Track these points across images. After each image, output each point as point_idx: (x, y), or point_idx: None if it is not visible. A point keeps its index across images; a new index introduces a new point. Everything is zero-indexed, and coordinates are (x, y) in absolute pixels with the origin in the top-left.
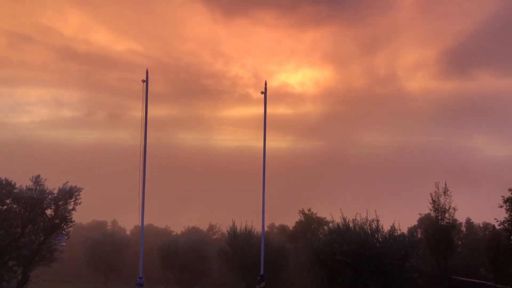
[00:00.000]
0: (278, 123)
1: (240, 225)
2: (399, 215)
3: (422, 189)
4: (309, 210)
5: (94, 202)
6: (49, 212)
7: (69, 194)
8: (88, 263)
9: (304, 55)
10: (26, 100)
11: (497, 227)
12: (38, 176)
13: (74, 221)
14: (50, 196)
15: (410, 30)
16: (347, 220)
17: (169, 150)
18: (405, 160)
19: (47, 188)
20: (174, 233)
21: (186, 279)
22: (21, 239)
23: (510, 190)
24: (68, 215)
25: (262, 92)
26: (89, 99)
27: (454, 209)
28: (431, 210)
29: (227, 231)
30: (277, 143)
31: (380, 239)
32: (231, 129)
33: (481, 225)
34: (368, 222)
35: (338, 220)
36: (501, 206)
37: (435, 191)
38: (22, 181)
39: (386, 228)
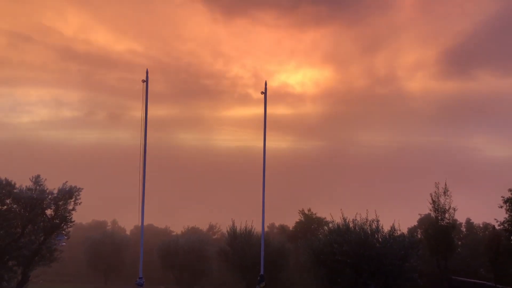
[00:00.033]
0: (278, 123)
1: (240, 225)
2: (399, 215)
3: (422, 189)
4: (309, 210)
5: (94, 202)
6: (49, 212)
7: (69, 194)
8: (88, 263)
9: (304, 55)
10: (26, 100)
11: (497, 227)
12: (38, 176)
13: (74, 221)
14: (50, 196)
15: (410, 30)
16: (347, 220)
17: (169, 150)
18: (405, 160)
19: (47, 188)
20: (174, 233)
21: (186, 279)
22: (21, 239)
23: (510, 191)
24: (68, 215)
25: (262, 92)
26: (89, 99)
27: (454, 209)
28: (431, 210)
29: (227, 231)
30: (277, 143)
31: (380, 239)
32: (231, 129)
33: (481, 225)
34: (368, 222)
35: (338, 220)
36: (501, 207)
37: (435, 191)
38: (22, 181)
39: (386, 228)
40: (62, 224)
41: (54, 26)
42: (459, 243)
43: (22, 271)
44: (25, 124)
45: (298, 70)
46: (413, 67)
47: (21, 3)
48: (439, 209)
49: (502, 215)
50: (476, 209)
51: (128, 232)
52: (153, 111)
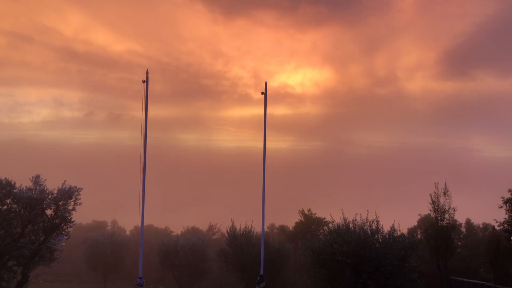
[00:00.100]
0: (278, 124)
1: (240, 226)
2: (399, 216)
3: (422, 190)
4: (309, 210)
5: (94, 202)
6: (49, 212)
7: (68, 194)
8: (88, 263)
9: (304, 55)
10: (26, 100)
11: (496, 227)
12: (38, 176)
13: (74, 221)
14: (50, 196)
15: (410, 31)
16: (347, 221)
17: (169, 150)
18: (405, 160)
19: (47, 188)
20: (174, 234)
21: (185, 279)
22: (21, 239)
23: (510, 191)
24: (68, 215)
25: (262, 93)
26: (89, 99)
27: (454, 210)
28: (431, 210)
29: (227, 231)
30: (277, 143)
31: (380, 240)
32: (231, 130)
33: (480, 225)
34: (368, 222)
35: (338, 220)
36: (501, 207)
37: (435, 192)
38: (22, 181)
39: (386, 228)
40: (62, 224)
41: (54, 26)
42: (459, 243)
43: (22, 271)
44: (25, 124)
45: (298, 70)
46: (413, 67)
47: (21, 3)
48: (439, 209)
49: (502, 215)
50: (476, 210)
51: (128, 232)
52: (153, 112)
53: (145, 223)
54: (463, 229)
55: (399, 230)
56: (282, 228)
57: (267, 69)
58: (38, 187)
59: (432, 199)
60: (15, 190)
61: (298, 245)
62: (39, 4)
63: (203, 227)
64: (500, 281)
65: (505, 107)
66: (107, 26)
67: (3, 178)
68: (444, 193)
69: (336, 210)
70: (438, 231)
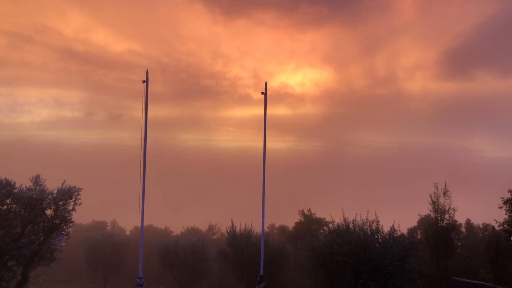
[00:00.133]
0: (278, 124)
1: (239, 226)
2: (399, 216)
3: (422, 190)
4: (309, 210)
5: (94, 202)
6: (49, 212)
7: (68, 194)
8: (88, 264)
9: (304, 55)
10: (26, 100)
11: (496, 228)
12: (38, 176)
13: (74, 221)
14: (50, 196)
15: (410, 31)
16: (347, 221)
17: (169, 150)
18: (405, 160)
19: (47, 188)
20: (173, 234)
21: (185, 279)
22: (21, 239)
23: (510, 191)
24: (68, 215)
25: (262, 93)
26: (89, 99)
27: (454, 210)
28: (430, 211)
29: (227, 231)
30: (277, 143)
31: (380, 240)
32: (231, 130)
33: (480, 226)
34: (368, 223)
35: (338, 220)
36: (501, 207)
37: (435, 192)
38: (22, 181)
39: (386, 229)
40: (62, 224)
41: (54, 26)
42: (459, 243)
43: (22, 271)
44: (25, 124)
45: (298, 70)
46: (413, 68)
47: (21, 3)
48: (439, 209)
49: (502, 216)
50: (476, 210)
51: (128, 233)
52: (153, 112)
53: (145, 223)
54: (463, 230)
55: (399, 231)
56: (282, 228)
57: (267, 69)
58: (38, 187)
59: (432, 199)
60: (15, 190)
61: (298, 245)
62: (39, 4)
63: (203, 227)
64: (500, 282)
65: (505, 107)
66: (107, 26)
67: (3, 178)
68: (444, 193)
69: (336, 210)
70: (438, 231)
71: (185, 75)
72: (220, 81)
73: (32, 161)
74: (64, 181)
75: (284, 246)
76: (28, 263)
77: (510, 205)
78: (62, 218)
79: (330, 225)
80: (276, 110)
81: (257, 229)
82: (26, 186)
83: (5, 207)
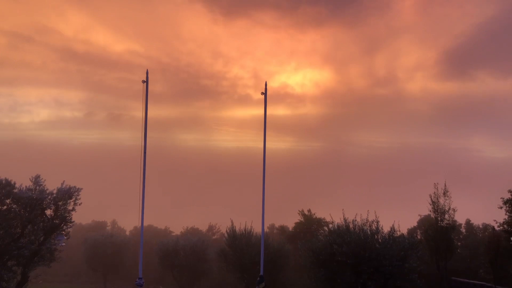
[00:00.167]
0: (278, 124)
1: (239, 226)
2: (399, 216)
3: (422, 190)
4: (309, 211)
5: (94, 202)
6: (48, 212)
7: (68, 194)
8: (88, 264)
9: (304, 56)
10: (26, 100)
11: (496, 228)
12: (38, 176)
13: (73, 221)
14: (50, 197)
15: (410, 31)
16: (347, 221)
17: (169, 150)
18: (405, 161)
19: (47, 188)
20: (173, 234)
21: (185, 279)
22: (21, 239)
23: (510, 192)
24: (67, 215)
25: (262, 93)
26: (89, 99)
27: (454, 210)
28: (430, 211)
29: (226, 231)
30: (277, 144)
31: (380, 240)
32: (231, 130)
33: (480, 226)
34: (368, 223)
35: (338, 221)
36: (501, 207)
37: (434, 192)
38: (22, 181)
39: (385, 229)
40: (62, 225)
41: (54, 26)
42: (459, 244)
43: (22, 271)
44: (25, 124)
45: (298, 71)
46: (413, 68)
47: (21, 3)
48: (438, 210)
49: (502, 216)
50: (475, 210)
51: (127, 233)
52: (153, 112)
53: (145, 223)
54: (463, 230)
55: (399, 231)
56: (282, 229)
57: (267, 69)
58: (38, 187)
59: (432, 200)
60: (15, 190)
61: (298, 245)
62: (39, 4)
63: (203, 227)
64: (500, 282)
65: (505, 107)
66: (107, 26)
67: (3, 178)
68: (444, 193)
69: (336, 211)
70: (438, 231)
71: (185, 75)
72: (220, 81)
73: (32, 161)
74: (64, 181)
75: (284, 246)
76: (28, 263)
77: (510, 206)
78: (62, 218)
79: (330, 225)
80: (276, 110)
81: (257, 229)
82: (26, 186)
83: (5, 207)
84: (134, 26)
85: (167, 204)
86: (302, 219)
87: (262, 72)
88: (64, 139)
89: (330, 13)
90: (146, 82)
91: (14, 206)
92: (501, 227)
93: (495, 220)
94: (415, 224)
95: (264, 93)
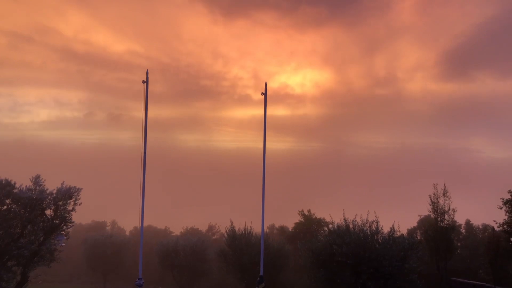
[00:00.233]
0: (278, 125)
1: (239, 226)
2: (399, 216)
3: (422, 191)
4: (309, 211)
5: (94, 202)
6: (48, 212)
7: (68, 194)
8: (88, 264)
9: (304, 56)
10: (26, 100)
11: (496, 228)
12: (38, 176)
13: (73, 221)
14: (49, 197)
15: (410, 32)
16: (347, 221)
17: (169, 151)
18: (405, 161)
19: (47, 189)
20: (173, 234)
21: (185, 280)
22: (21, 240)
23: (510, 192)
24: (67, 215)
25: (262, 93)
26: (89, 99)
27: (454, 211)
28: (430, 211)
29: (226, 232)
30: (277, 144)
31: (380, 241)
32: (231, 130)
33: (480, 226)
34: (368, 223)
35: (338, 221)
36: (501, 208)
37: (434, 193)
38: (22, 181)
39: (385, 229)
40: (62, 225)
41: (54, 26)
42: (459, 244)
43: (22, 271)
44: (25, 124)
45: (298, 71)
46: (413, 68)
47: (21, 3)
48: (438, 210)
49: (502, 216)
50: (475, 211)
51: (127, 233)
52: (153, 112)
53: (145, 224)
54: (463, 230)
55: (399, 231)
56: (282, 229)
57: (267, 69)
58: (38, 187)
59: (431, 200)
60: (15, 190)
61: (297, 245)
62: (39, 4)
63: (203, 227)
64: (500, 282)
65: (505, 108)
66: (107, 26)
67: (3, 178)
68: (444, 194)
69: (336, 211)
70: (437, 232)
71: (185, 76)
72: (220, 82)
73: (32, 161)
74: (64, 181)
75: (283, 247)
76: (28, 263)
77: (509, 206)
78: (62, 218)
79: (330, 226)
80: (276, 111)
81: (256, 229)
82: (26, 186)
83: (5, 207)
84: (134, 26)
85: (167, 204)
86: (302, 220)
87: (262, 72)
88: (64, 139)
89: (330, 14)
90: (146, 82)
91: (14, 206)
92: (501, 228)
93: (495, 221)
94: (415, 224)
95: (264, 94)
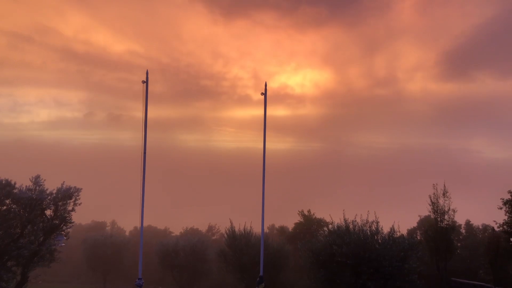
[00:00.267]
0: (278, 125)
1: (239, 226)
2: (399, 217)
3: (422, 191)
4: (309, 211)
5: (94, 203)
6: (48, 212)
7: (68, 194)
8: (87, 264)
9: (304, 56)
10: (26, 100)
11: (496, 229)
12: (38, 176)
13: (73, 221)
14: (49, 197)
15: (410, 32)
16: (347, 222)
17: (169, 151)
18: (405, 161)
19: (47, 189)
20: (173, 234)
21: (185, 280)
22: (21, 240)
23: (510, 192)
24: (67, 215)
25: (262, 94)
26: (89, 99)
27: (454, 211)
28: (430, 212)
29: (226, 232)
30: (277, 144)
31: (380, 241)
32: (231, 131)
33: (480, 227)
34: (368, 223)
35: (338, 221)
36: (501, 208)
37: (434, 193)
38: (22, 181)
39: (385, 229)
40: (62, 225)
41: (54, 26)
42: (459, 244)
43: (21, 271)
44: (25, 124)
45: (297, 71)
46: (413, 68)
47: (21, 3)
48: (438, 210)
49: (501, 216)
50: (475, 211)
51: (127, 233)
52: (153, 112)
53: (144, 224)
54: (463, 230)
55: (399, 231)
56: (282, 229)
57: (267, 70)
58: (38, 188)
59: (431, 200)
60: (15, 191)
61: (297, 246)
62: (39, 4)
63: (203, 227)
64: (500, 282)
65: (505, 108)
66: (107, 26)
67: (3, 178)
68: (444, 194)
69: (336, 211)
70: (437, 232)
71: (185, 76)
72: (220, 82)
73: (32, 161)
74: (64, 181)
75: (283, 247)
76: (28, 264)
77: (509, 206)
78: (62, 219)
79: (330, 226)
80: (276, 111)
81: (256, 229)
82: (26, 186)
83: (5, 207)
84: (134, 26)
85: (167, 204)
86: (302, 220)
87: (262, 72)
88: (64, 139)
89: (330, 14)
90: (146, 82)
91: (14, 206)
92: (501, 228)
93: (494, 221)
94: (415, 224)
95: (264, 94)
